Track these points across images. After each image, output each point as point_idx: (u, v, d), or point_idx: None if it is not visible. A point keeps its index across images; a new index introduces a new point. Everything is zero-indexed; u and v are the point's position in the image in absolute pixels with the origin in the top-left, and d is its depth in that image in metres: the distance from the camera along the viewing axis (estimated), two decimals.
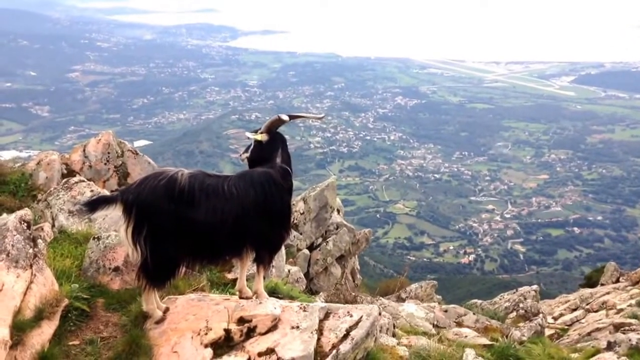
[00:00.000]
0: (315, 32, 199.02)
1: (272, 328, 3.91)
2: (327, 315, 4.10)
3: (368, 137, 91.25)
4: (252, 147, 4.34)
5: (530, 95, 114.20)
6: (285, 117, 4.22)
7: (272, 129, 4.30)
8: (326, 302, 6.73)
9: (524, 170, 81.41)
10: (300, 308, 4.09)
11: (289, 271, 7.96)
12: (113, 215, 3.79)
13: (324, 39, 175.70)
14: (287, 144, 4.38)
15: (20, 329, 3.58)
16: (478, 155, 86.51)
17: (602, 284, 16.56)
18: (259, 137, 4.26)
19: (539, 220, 68.14)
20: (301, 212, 10.06)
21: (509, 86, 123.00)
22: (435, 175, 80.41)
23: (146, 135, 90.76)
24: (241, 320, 3.96)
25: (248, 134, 4.35)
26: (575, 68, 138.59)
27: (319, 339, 3.82)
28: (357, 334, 3.87)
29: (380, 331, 4.62)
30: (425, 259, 59.18)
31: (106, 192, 6.37)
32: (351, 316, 4.03)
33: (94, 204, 3.82)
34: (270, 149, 4.26)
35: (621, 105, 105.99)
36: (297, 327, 3.90)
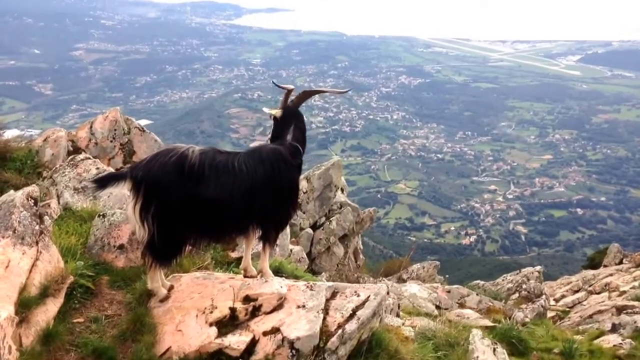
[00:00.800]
0: (319, 10, 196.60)
1: (278, 307, 3.89)
2: (333, 295, 4.07)
3: (371, 117, 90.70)
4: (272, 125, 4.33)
5: (536, 75, 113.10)
6: (290, 87, 4.22)
7: (286, 105, 4.27)
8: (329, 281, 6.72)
9: (527, 151, 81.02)
10: (307, 287, 4.06)
11: (291, 250, 7.93)
12: (118, 193, 3.76)
13: (328, 18, 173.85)
14: (303, 120, 4.32)
15: (25, 306, 3.57)
16: (481, 135, 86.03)
17: (605, 266, 16.53)
18: (273, 112, 4.24)
19: (542, 201, 67.94)
20: (304, 190, 9.99)
21: (514, 65, 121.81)
22: (438, 155, 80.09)
23: (148, 115, 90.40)
24: (247, 299, 3.94)
25: (265, 109, 4.34)
26: (582, 47, 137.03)
27: (324, 319, 3.80)
28: (363, 313, 3.84)
29: (385, 311, 4.60)
30: (426, 240, 59.13)
31: (111, 170, 6.33)
32: (358, 296, 3.99)
33: (104, 181, 3.79)
34: (283, 126, 4.23)
35: (627, 85, 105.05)
36: (303, 306, 3.88)
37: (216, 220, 3.86)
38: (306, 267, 8.80)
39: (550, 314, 11.28)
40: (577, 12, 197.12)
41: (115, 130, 8.03)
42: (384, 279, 9.49)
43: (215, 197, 3.76)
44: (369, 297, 3.94)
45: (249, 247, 4.32)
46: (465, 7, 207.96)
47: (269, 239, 4.18)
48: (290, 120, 4.24)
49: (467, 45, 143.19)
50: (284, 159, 4.04)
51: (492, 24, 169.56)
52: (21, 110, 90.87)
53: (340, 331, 3.71)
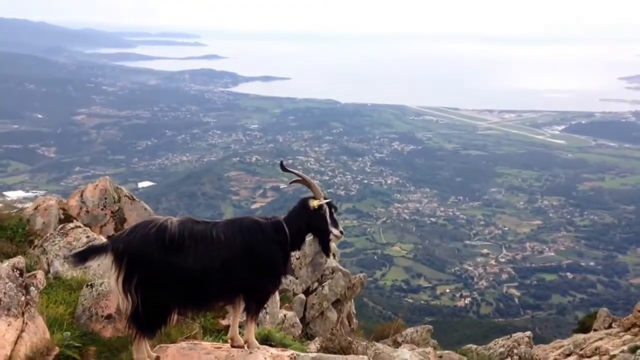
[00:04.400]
0: (314, 79, 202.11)
1: None
2: None
3: (365, 181, 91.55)
4: None
5: (523, 143, 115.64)
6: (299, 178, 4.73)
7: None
8: (321, 347, 6.67)
9: (517, 216, 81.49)
10: (291, 359, 4.06)
11: (284, 316, 7.89)
12: (109, 262, 3.81)
13: (322, 86, 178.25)
14: (305, 207, 4.52)
15: None
16: (473, 200, 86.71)
17: (595, 330, 16.32)
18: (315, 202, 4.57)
19: (533, 265, 67.85)
20: (297, 257, 10.06)
21: (502, 134, 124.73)
22: (431, 218, 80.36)
23: (150, 177, 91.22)
24: None
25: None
26: (565, 117, 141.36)
27: None
28: None
29: None
30: (422, 302, 58.49)
31: (102, 238, 6.39)
32: None
33: (84, 255, 3.80)
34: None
35: (610, 154, 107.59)
36: None
37: (198, 289, 3.87)
38: (300, 331, 8.71)
39: None
40: (559, 84, 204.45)
41: (105, 198, 8.12)
42: (376, 343, 9.34)
43: (196, 266, 3.79)
44: None
45: (236, 316, 4.31)
46: (453, 78, 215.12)
47: (250, 309, 4.16)
48: (297, 204, 4.53)
49: (456, 114, 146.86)
50: (263, 231, 4.07)
51: (479, 94, 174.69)
52: (25, 172, 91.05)
53: None
